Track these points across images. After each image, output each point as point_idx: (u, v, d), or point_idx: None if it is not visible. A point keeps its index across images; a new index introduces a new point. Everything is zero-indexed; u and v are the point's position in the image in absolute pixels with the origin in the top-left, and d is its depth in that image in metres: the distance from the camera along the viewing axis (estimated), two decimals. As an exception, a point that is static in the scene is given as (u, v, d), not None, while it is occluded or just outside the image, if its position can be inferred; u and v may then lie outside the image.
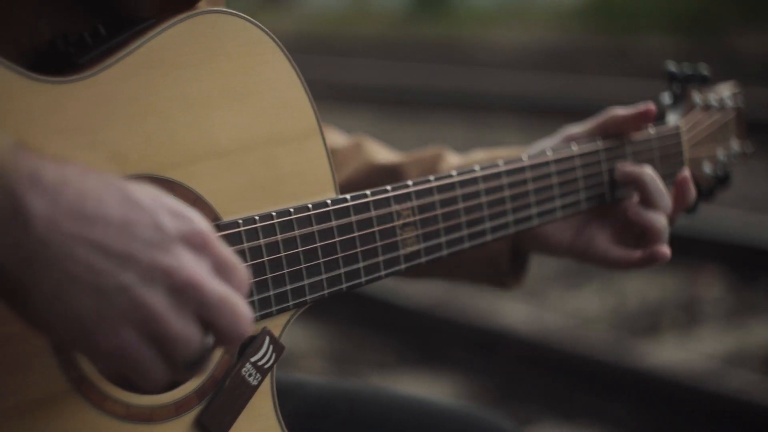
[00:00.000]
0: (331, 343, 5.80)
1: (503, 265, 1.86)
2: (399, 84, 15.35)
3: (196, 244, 1.17)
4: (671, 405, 4.60)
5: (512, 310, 5.97)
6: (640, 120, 1.83)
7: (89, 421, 1.26)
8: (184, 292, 1.14)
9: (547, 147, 1.81)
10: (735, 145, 2.01)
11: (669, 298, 6.17)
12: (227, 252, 1.19)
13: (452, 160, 1.91)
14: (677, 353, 5.27)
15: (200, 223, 1.18)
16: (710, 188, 1.98)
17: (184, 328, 1.14)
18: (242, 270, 1.20)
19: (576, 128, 1.86)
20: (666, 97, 1.96)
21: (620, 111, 1.84)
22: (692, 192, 1.81)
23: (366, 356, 5.62)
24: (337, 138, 1.94)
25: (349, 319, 6.02)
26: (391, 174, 1.88)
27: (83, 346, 1.13)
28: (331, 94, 15.39)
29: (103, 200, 1.13)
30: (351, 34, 23.27)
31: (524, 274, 1.92)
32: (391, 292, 5.84)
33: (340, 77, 16.27)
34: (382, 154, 1.92)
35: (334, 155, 1.89)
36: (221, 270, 1.18)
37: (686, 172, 1.82)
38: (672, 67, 1.96)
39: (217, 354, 1.38)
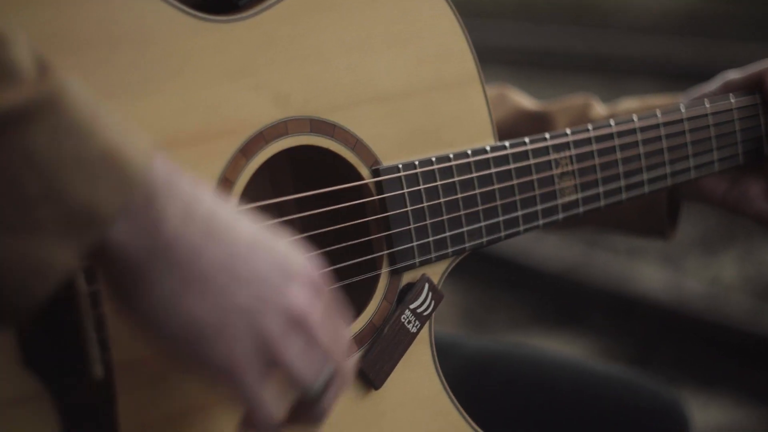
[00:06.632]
0: (465, 299, 5.80)
1: (662, 214, 1.82)
2: (534, 45, 15.19)
3: (314, 286, 1.16)
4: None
5: (649, 276, 5.90)
6: None
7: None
8: (300, 326, 1.14)
9: (705, 97, 1.77)
10: None
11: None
12: (333, 301, 1.20)
13: (600, 110, 1.87)
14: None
15: (317, 268, 1.18)
16: None
17: (298, 357, 1.14)
18: (343, 326, 1.20)
19: (735, 74, 1.81)
20: None
21: None
22: None
23: (499, 315, 5.60)
24: None
25: (484, 278, 6.00)
26: (539, 121, 1.85)
27: (194, 355, 1.11)
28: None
29: (233, 224, 1.13)
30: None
31: (678, 223, 1.88)
32: (524, 253, 5.82)
33: (476, 39, 16.20)
34: (528, 101, 1.89)
35: None
36: (328, 315, 1.18)
37: None
38: None
39: (375, 301, 1.38)
